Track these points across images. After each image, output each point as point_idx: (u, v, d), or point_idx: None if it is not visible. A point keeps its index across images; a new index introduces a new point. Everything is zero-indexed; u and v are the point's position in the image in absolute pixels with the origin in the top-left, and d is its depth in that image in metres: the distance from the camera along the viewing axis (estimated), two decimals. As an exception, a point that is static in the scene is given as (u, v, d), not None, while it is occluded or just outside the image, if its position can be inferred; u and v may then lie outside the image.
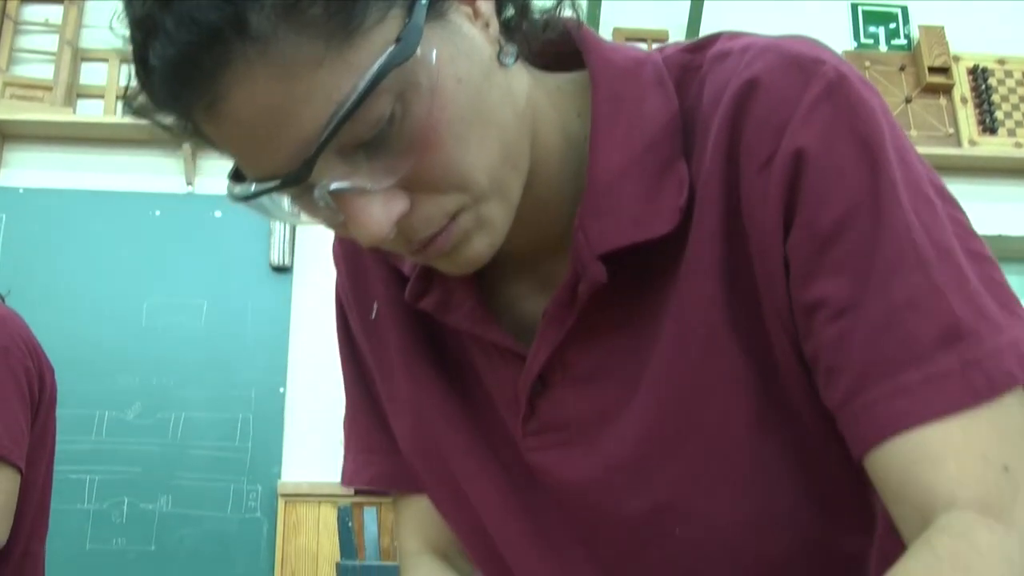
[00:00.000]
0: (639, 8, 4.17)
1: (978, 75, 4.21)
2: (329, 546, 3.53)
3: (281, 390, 3.68)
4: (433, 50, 0.59)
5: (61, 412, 2.05)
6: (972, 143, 4.10)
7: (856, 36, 4.32)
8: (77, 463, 3.47)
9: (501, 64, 0.65)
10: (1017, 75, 4.24)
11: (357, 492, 3.55)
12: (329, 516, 3.55)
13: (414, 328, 0.82)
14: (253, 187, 0.61)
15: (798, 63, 0.66)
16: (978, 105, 4.18)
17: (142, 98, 0.60)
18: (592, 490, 0.73)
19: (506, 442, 0.78)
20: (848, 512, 0.71)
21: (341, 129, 0.56)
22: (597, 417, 0.73)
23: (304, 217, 0.64)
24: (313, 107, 0.56)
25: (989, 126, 4.14)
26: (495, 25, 0.66)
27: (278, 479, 3.58)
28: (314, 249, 3.82)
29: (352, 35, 0.56)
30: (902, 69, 4.21)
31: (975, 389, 0.59)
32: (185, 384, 3.64)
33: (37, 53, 3.98)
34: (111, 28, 0.60)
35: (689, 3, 3.98)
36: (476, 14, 0.64)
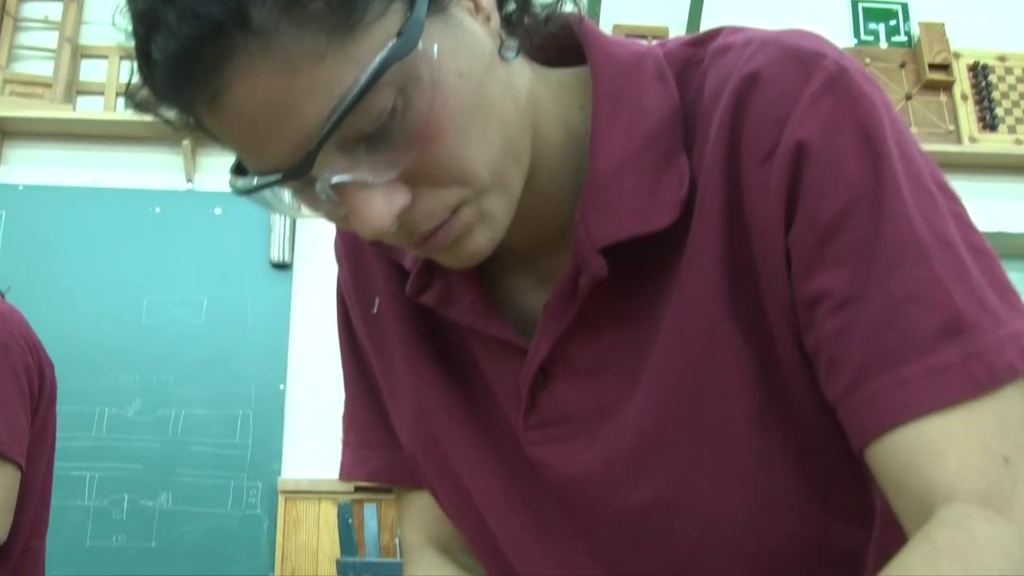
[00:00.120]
0: (639, 4, 4.17)
1: (978, 72, 4.21)
2: (329, 543, 3.53)
3: (281, 387, 3.68)
4: (434, 44, 0.59)
5: (61, 409, 2.06)
6: (972, 140, 4.10)
7: (856, 33, 4.32)
8: (77, 460, 3.47)
9: (502, 58, 0.65)
10: (1017, 72, 4.24)
11: (357, 489, 3.54)
12: (329, 513, 3.56)
13: (415, 323, 0.83)
14: (255, 180, 0.61)
15: (799, 57, 0.66)
16: (978, 102, 4.18)
17: (144, 92, 0.61)
18: (592, 483, 0.73)
19: (507, 436, 0.79)
20: (847, 506, 0.71)
21: (343, 122, 0.57)
22: (598, 410, 0.73)
23: (306, 210, 0.64)
24: (315, 100, 0.56)
25: (989, 123, 4.14)
26: (496, 19, 0.66)
27: (278, 476, 3.58)
28: (314, 246, 3.83)
29: (354, 29, 0.56)
30: (902, 66, 4.21)
31: (976, 381, 0.59)
32: (185, 381, 3.64)
33: (37, 50, 3.98)
34: (113, 23, 0.61)
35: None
36: (477, 8, 0.64)
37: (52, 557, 2.06)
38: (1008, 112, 4.18)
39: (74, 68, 3.95)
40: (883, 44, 4.30)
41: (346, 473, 0.91)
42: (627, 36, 3.89)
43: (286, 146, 0.58)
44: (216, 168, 3.88)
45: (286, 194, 0.64)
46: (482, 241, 0.66)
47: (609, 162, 0.69)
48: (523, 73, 0.70)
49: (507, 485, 0.79)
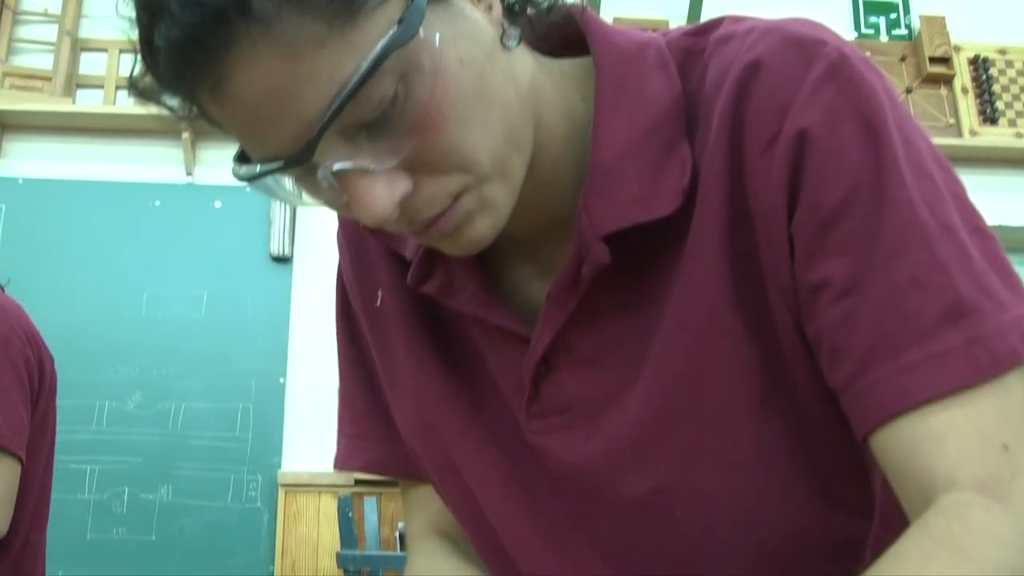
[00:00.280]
0: (640, -3, 4.17)
1: (979, 65, 4.21)
2: (329, 536, 3.54)
3: (281, 380, 3.68)
4: (435, 31, 0.59)
5: (61, 402, 2.06)
6: (973, 133, 4.10)
7: (857, 26, 4.32)
8: (77, 453, 3.48)
9: (504, 46, 0.65)
10: (1018, 65, 4.24)
11: (357, 482, 3.53)
12: (329, 506, 3.56)
13: (417, 313, 0.83)
14: (258, 168, 0.61)
15: (800, 44, 0.66)
16: (979, 95, 4.18)
17: (147, 80, 0.61)
18: (594, 472, 0.74)
19: (509, 426, 0.79)
20: (848, 495, 0.71)
21: (344, 109, 0.57)
22: (600, 399, 0.73)
23: (307, 198, 0.65)
24: (316, 87, 0.56)
25: (990, 116, 4.14)
26: (498, 8, 0.66)
27: (278, 469, 3.59)
28: (314, 239, 3.83)
29: (355, 16, 0.56)
30: (903, 59, 4.21)
31: (979, 366, 0.59)
32: (185, 374, 3.64)
33: (36, 43, 3.98)
34: (117, 12, 0.61)
35: (690, -8, 3.98)
36: None
37: (52, 550, 2.06)
38: (1009, 105, 4.18)
39: (74, 61, 3.95)
40: (883, 37, 4.30)
41: (340, 463, 0.92)
42: (627, 29, 3.89)
43: (288, 133, 0.58)
44: (216, 161, 3.88)
45: (288, 182, 0.64)
46: (483, 229, 0.66)
47: (612, 151, 0.69)
48: (525, 62, 0.70)
49: (508, 475, 0.79)
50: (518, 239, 0.77)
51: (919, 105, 4.13)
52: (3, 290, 2.04)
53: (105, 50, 3.99)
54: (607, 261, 0.68)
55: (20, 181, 3.81)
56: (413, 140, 0.60)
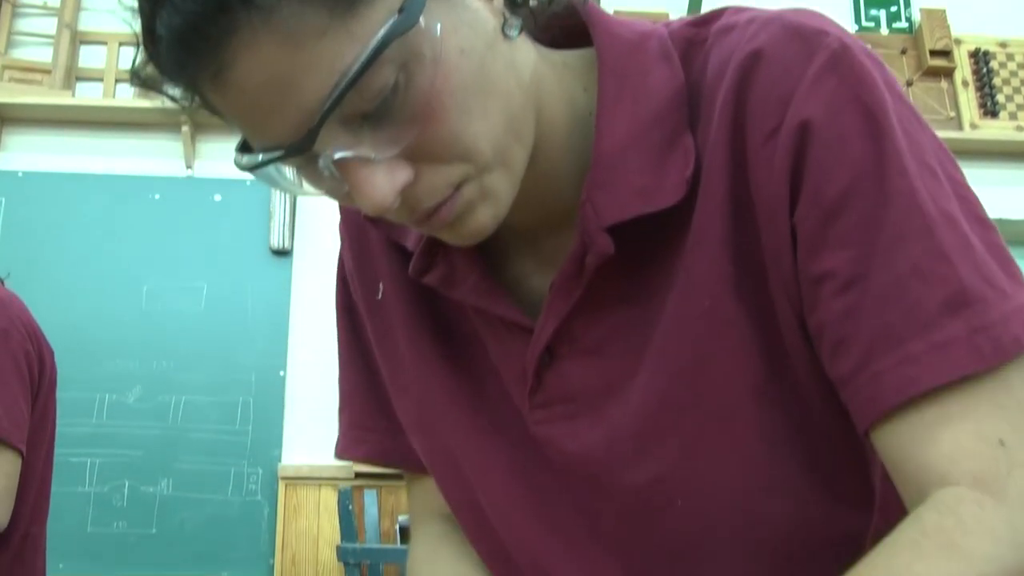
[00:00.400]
0: (640, -10, 4.16)
1: (979, 58, 4.21)
2: (329, 529, 3.54)
3: (281, 373, 3.69)
4: (436, 20, 0.59)
5: (61, 395, 2.06)
6: (973, 126, 4.10)
7: (857, 19, 4.31)
8: (78, 446, 3.48)
9: (505, 36, 0.65)
10: (1019, 58, 4.24)
11: (357, 475, 3.54)
12: (329, 499, 3.56)
13: (418, 304, 0.83)
14: (259, 157, 0.61)
15: (802, 34, 0.66)
16: (979, 88, 4.18)
17: (149, 69, 0.61)
18: (596, 461, 0.74)
19: (511, 416, 0.79)
20: (848, 488, 0.71)
21: (344, 98, 0.57)
22: (603, 389, 0.73)
23: (309, 188, 0.64)
24: (317, 76, 0.56)
25: (990, 109, 4.14)
26: None
27: (278, 462, 3.59)
28: (314, 232, 3.83)
29: (355, 5, 0.56)
30: (903, 52, 4.21)
31: (982, 354, 0.59)
32: (185, 368, 3.65)
33: (36, 36, 3.97)
34: (120, 2, 0.60)
35: (690, -15, 3.98)
36: None
37: (53, 543, 2.06)
38: (1009, 99, 4.17)
39: (73, 54, 3.94)
40: (884, 30, 4.30)
41: (340, 451, 0.93)
42: (628, 22, 3.89)
43: (289, 122, 0.58)
44: (216, 155, 3.88)
45: (289, 171, 0.64)
46: (485, 218, 0.66)
47: (615, 142, 0.69)
48: (526, 53, 0.69)
49: (509, 465, 0.79)
50: (519, 231, 0.77)
51: (919, 98, 4.12)
52: (3, 283, 2.04)
53: (105, 43, 3.99)
54: (611, 252, 0.68)
55: (20, 174, 3.81)
56: (414, 129, 0.60)
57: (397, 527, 3.45)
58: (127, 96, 3.86)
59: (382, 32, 0.56)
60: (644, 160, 0.69)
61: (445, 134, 0.61)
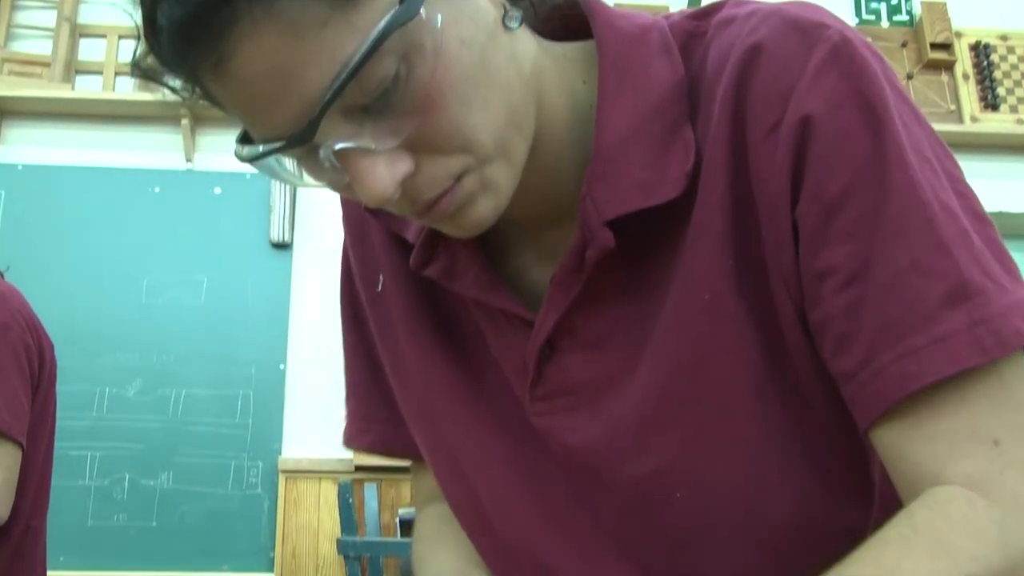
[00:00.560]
0: (640, -17, 4.16)
1: (980, 51, 4.20)
2: (330, 522, 3.55)
3: (281, 366, 3.69)
4: (437, 11, 0.59)
5: (61, 389, 2.06)
6: (974, 120, 4.09)
7: (858, 12, 4.31)
8: (78, 439, 3.49)
9: (506, 28, 0.65)
10: (1020, 51, 4.23)
11: (357, 468, 3.53)
12: (330, 492, 3.57)
13: (419, 296, 0.83)
14: (260, 148, 0.61)
15: (801, 28, 0.66)
16: (980, 81, 4.18)
17: (150, 60, 0.61)
18: (596, 454, 0.74)
19: (512, 408, 0.79)
20: (848, 483, 0.71)
21: (345, 89, 0.57)
22: (603, 382, 0.73)
23: (309, 179, 0.64)
24: (318, 67, 0.56)
25: (991, 102, 4.13)
26: None
27: (279, 455, 3.60)
28: (314, 225, 3.83)
29: None
30: (904, 45, 4.20)
31: (983, 347, 0.59)
32: (185, 361, 3.65)
33: (35, 29, 3.97)
34: (120, -4, 0.60)
35: (690, -22, 3.98)
36: None
37: (53, 536, 2.07)
38: (1010, 92, 4.17)
39: (73, 47, 3.94)
40: (884, 23, 4.29)
41: (346, 441, 0.94)
42: (628, 15, 3.88)
43: (290, 113, 0.58)
44: (215, 148, 3.88)
45: (290, 162, 0.65)
46: (485, 210, 0.66)
47: (615, 135, 0.69)
48: (527, 44, 0.69)
49: (510, 457, 0.79)
50: (520, 224, 0.77)
51: (920, 91, 4.12)
52: (3, 276, 2.04)
53: (104, 36, 3.98)
54: (611, 246, 0.68)
55: (19, 167, 3.81)
56: (415, 120, 0.60)
57: (397, 520, 3.45)
58: (127, 89, 3.86)
59: (383, 23, 0.56)
60: (644, 153, 0.69)
61: (446, 125, 0.61)
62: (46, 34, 3.94)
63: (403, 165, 0.61)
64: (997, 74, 4.18)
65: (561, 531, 0.77)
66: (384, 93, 0.58)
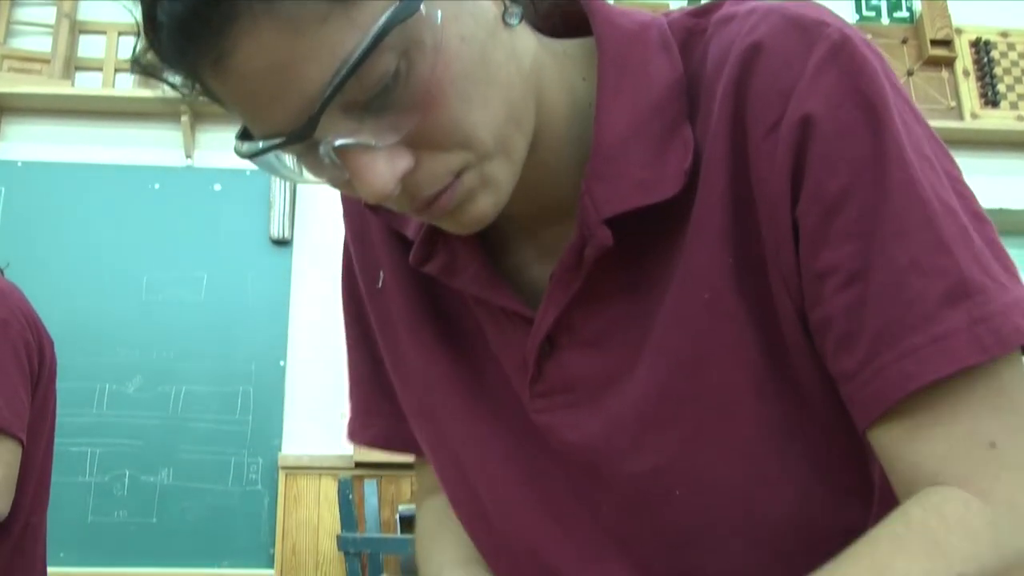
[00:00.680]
0: (640, -20, 4.15)
1: (980, 48, 4.20)
2: (330, 518, 3.55)
3: (281, 363, 3.69)
4: (437, 8, 0.59)
5: (61, 385, 2.06)
6: (974, 116, 4.09)
7: (858, 8, 4.30)
8: (78, 436, 3.49)
9: (506, 24, 0.65)
10: (1020, 48, 4.23)
11: (357, 465, 3.53)
12: (330, 488, 3.57)
13: (419, 293, 0.83)
14: (260, 144, 0.61)
15: (801, 25, 0.66)
16: (980, 78, 4.18)
17: (150, 56, 0.60)
18: (596, 450, 0.74)
19: (512, 405, 0.79)
20: (847, 482, 0.71)
21: (345, 86, 0.56)
22: (603, 379, 0.73)
23: (309, 175, 0.64)
24: (318, 63, 0.56)
25: (991, 99, 4.13)
26: None
27: (279, 452, 3.60)
28: (314, 222, 3.82)
29: None
30: (904, 42, 4.20)
31: (983, 345, 0.59)
32: (185, 357, 3.65)
33: (35, 25, 3.97)
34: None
35: (690, -25, 3.97)
36: None
37: (53, 533, 2.07)
38: (1010, 88, 4.17)
39: (72, 44, 3.94)
40: (885, 20, 4.29)
41: (349, 435, 0.95)
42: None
43: (290, 109, 0.58)
44: (215, 144, 3.88)
45: (290, 159, 0.64)
46: (485, 207, 0.66)
47: (614, 133, 0.69)
48: (527, 41, 0.69)
49: (509, 453, 0.79)
50: (519, 221, 0.77)
51: (920, 88, 4.12)
52: (2, 273, 2.04)
53: (104, 32, 3.98)
54: (610, 244, 0.68)
55: (19, 164, 3.81)
56: (415, 116, 0.59)
57: (397, 517, 3.45)
58: (126, 86, 3.86)
59: (383, 19, 0.56)
60: (643, 151, 0.69)
61: (445, 121, 0.61)
62: (46, 30, 3.94)
63: (403, 161, 0.61)
64: (997, 71, 4.18)
65: (561, 528, 0.77)
66: (384, 89, 0.58)
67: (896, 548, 0.57)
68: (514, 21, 0.65)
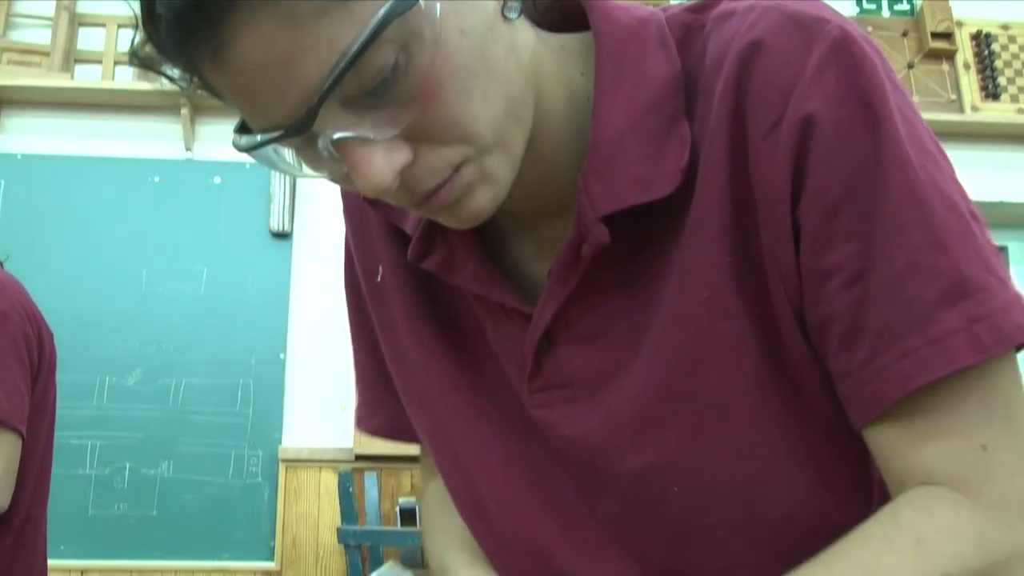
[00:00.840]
0: (640, -27, 4.14)
1: (981, 41, 4.19)
2: (330, 511, 3.55)
3: (281, 356, 3.69)
4: (436, 1, 0.58)
5: (62, 378, 2.06)
6: (975, 109, 4.09)
7: (859, 1, 4.29)
8: (78, 429, 3.49)
9: (505, 18, 0.65)
10: (1021, 41, 4.22)
11: (358, 458, 3.54)
12: (330, 481, 3.57)
13: (417, 288, 0.83)
14: (258, 138, 0.61)
15: (801, 23, 0.66)
16: (981, 71, 4.17)
17: (148, 49, 0.60)
18: (594, 446, 0.74)
19: (510, 400, 0.79)
20: (845, 480, 0.71)
21: (344, 79, 0.56)
22: (601, 376, 0.73)
23: (308, 169, 0.64)
24: (317, 56, 0.56)
25: (992, 92, 4.13)
26: None
27: (279, 444, 3.60)
28: (314, 215, 3.82)
29: None
30: (904, 35, 4.19)
31: (981, 345, 0.60)
32: (185, 350, 3.65)
33: (34, 18, 3.96)
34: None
35: (691, -32, 3.96)
36: None
37: (54, 525, 2.07)
38: (1011, 81, 4.16)
39: (72, 37, 3.93)
40: (885, 13, 4.28)
41: (357, 422, 0.96)
42: (628, 4, 3.87)
43: (288, 102, 0.58)
44: (215, 137, 3.87)
45: (288, 152, 0.64)
46: (484, 201, 0.66)
47: (612, 129, 0.69)
48: (526, 35, 0.69)
49: (508, 449, 0.79)
50: (517, 217, 0.77)
51: (921, 81, 4.11)
52: (2, 266, 2.03)
53: (103, 25, 3.97)
54: (607, 241, 0.68)
55: (19, 157, 3.81)
56: (413, 110, 0.59)
57: (397, 509, 3.46)
58: (126, 79, 3.86)
59: (382, 12, 0.56)
60: (641, 148, 0.68)
61: (444, 115, 0.61)
62: (45, 23, 3.93)
63: (401, 155, 0.61)
64: (998, 63, 4.18)
65: (560, 524, 0.77)
66: (383, 83, 0.58)
67: (884, 546, 0.58)
68: (513, 15, 0.65)
